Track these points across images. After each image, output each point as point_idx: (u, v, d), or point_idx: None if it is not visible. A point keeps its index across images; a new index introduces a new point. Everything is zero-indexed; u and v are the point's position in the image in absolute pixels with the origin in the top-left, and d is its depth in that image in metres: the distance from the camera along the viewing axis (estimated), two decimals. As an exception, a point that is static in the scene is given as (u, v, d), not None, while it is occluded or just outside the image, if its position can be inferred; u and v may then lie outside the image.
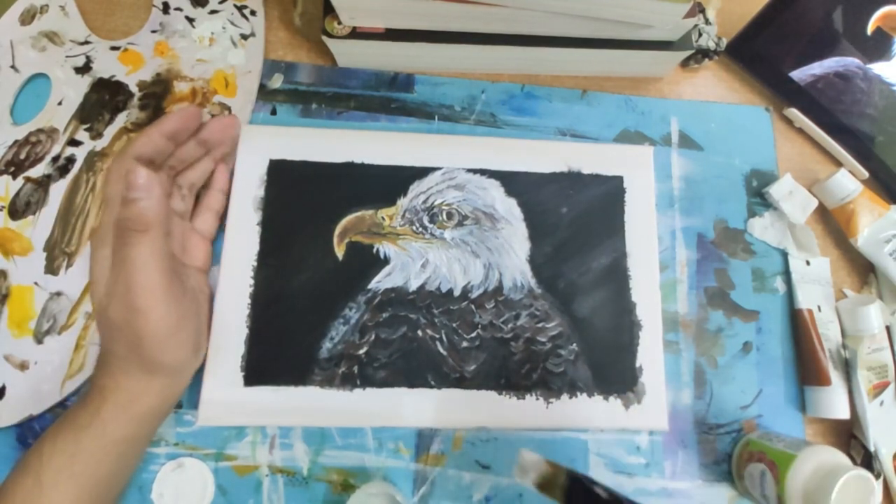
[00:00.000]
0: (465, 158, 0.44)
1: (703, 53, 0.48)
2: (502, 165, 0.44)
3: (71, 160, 0.42)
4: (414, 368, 0.39)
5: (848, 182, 0.45)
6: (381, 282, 0.41)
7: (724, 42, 0.48)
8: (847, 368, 0.43)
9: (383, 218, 0.42)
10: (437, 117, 0.46)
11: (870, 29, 0.47)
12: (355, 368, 0.39)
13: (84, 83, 0.44)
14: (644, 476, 0.41)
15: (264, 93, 0.46)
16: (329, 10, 0.42)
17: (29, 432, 0.38)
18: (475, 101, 0.47)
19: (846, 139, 0.48)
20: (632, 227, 0.44)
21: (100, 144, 0.43)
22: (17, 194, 0.41)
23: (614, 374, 0.41)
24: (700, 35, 0.46)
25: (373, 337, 0.40)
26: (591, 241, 0.43)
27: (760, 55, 0.49)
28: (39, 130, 0.42)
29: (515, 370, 0.40)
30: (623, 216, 0.44)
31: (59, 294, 0.39)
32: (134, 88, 0.44)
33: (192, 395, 0.39)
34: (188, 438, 0.38)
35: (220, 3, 0.47)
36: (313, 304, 0.40)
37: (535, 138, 0.46)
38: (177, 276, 0.34)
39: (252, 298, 0.40)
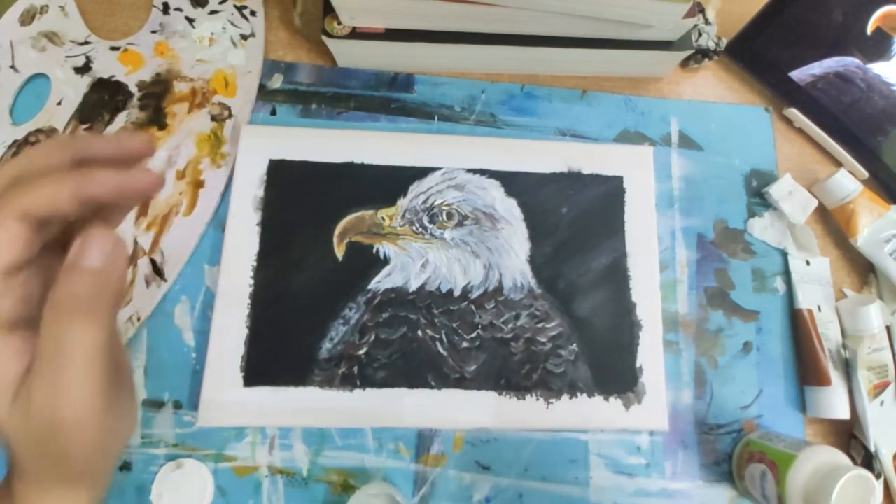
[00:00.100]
0: (464, 158, 0.44)
1: (702, 53, 0.48)
2: (502, 165, 0.44)
3: (70, 160, 0.42)
4: (414, 369, 0.39)
5: (848, 182, 0.45)
6: (381, 282, 0.41)
7: (724, 42, 0.48)
8: (847, 368, 0.43)
9: (383, 218, 0.42)
10: (436, 117, 0.46)
11: (870, 29, 0.47)
12: (355, 369, 0.39)
13: (84, 83, 0.44)
14: (644, 476, 0.40)
15: (264, 93, 0.46)
16: (329, 11, 0.42)
17: None
18: (475, 101, 0.47)
19: (846, 139, 0.48)
20: (632, 227, 0.44)
21: (99, 145, 0.43)
22: (17, 194, 0.41)
23: (614, 375, 0.41)
24: (700, 35, 0.46)
25: (373, 337, 0.40)
26: (591, 242, 0.43)
27: (760, 55, 0.49)
28: (39, 130, 0.42)
29: (515, 370, 0.40)
30: (623, 216, 0.44)
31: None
32: (134, 89, 0.44)
33: (192, 396, 0.39)
34: (187, 439, 0.38)
35: (220, 3, 0.47)
36: (313, 304, 0.40)
37: (535, 138, 0.46)
38: (117, 365, 0.23)
39: (252, 299, 0.40)
